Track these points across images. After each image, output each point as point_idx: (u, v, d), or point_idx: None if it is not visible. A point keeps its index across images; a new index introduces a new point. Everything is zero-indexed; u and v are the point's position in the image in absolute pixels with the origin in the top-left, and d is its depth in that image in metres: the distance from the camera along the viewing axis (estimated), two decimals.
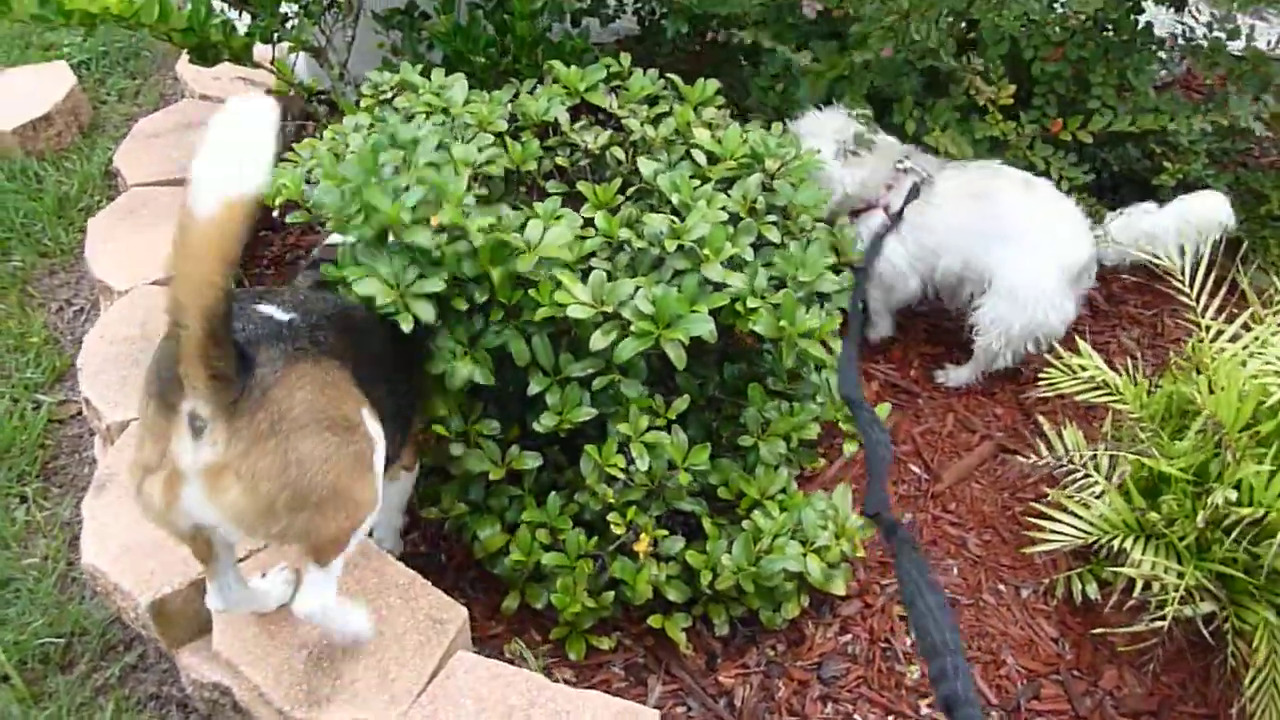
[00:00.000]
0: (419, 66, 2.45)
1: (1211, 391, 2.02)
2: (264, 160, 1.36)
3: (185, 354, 1.38)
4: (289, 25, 2.89)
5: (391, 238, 1.90)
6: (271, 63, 2.88)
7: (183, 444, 1.48)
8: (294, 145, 2.23)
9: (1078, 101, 2.89)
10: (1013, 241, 2.56)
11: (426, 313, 1.87)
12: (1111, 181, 3.19)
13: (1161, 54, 3.13)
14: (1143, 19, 3.05)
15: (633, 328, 1.87)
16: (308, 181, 2.11)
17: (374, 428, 1.65)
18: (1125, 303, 3.22)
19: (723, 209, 2.09)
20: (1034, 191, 2.62)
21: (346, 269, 1.87)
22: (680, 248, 1.99)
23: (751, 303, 1.97)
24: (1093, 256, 2.60)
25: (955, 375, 2.79)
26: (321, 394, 1.55)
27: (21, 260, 3.01)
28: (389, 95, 2.37)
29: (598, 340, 1.89)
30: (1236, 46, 3.10)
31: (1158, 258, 2.35)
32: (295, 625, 1.83)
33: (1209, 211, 2.47)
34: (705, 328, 1.88)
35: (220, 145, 1.33)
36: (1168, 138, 3.11)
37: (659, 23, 3.18)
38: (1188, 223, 2.46)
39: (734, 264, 2.00)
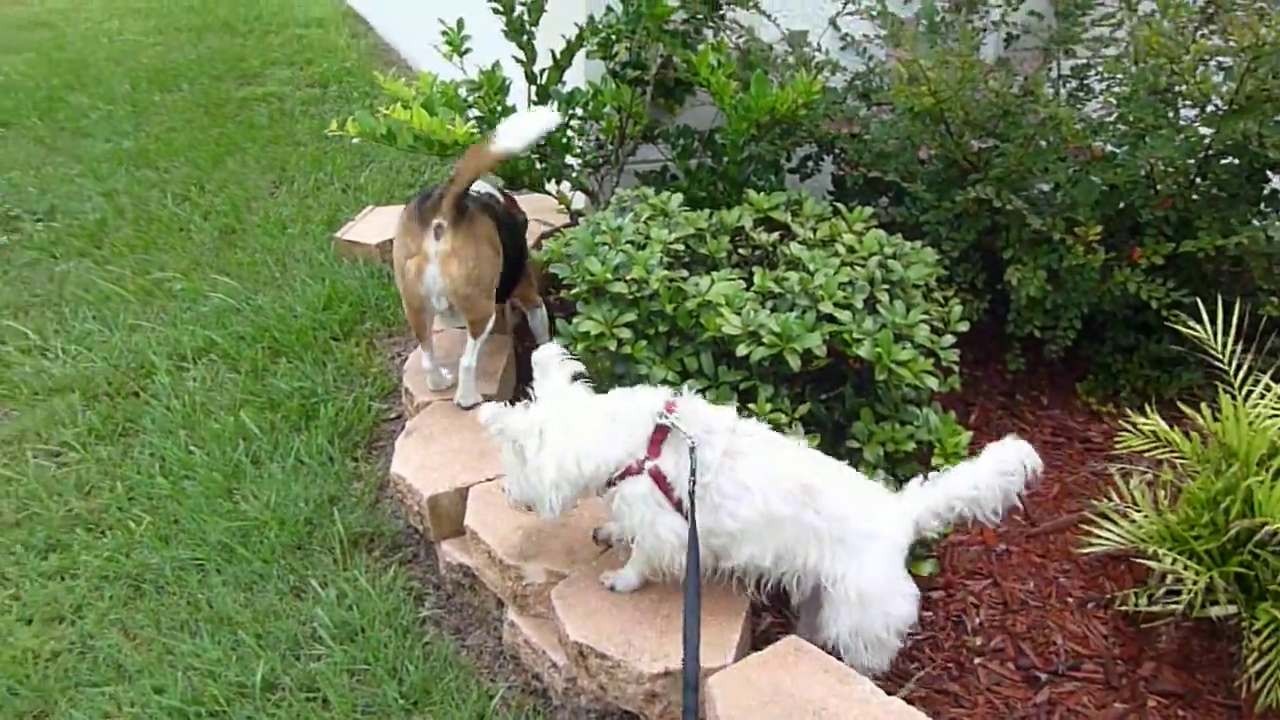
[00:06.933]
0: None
1: (1217, 419, 2.54)
2: (525, 139, 3.02)
3: (447, 195, 2.93)
4: (572, 172, 4.07)
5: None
6: (557, 193, 4.05)
7: (430, 241, 2.97)
8: (562, 230, 3.30)
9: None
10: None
11: (626, 336, 2.81)
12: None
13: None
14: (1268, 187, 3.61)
15: (764, 340, 2.70)
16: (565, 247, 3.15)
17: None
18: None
19: (847, 280, 2.91)
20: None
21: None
22: (805, 293, 2.82)
23: (857, 334, 2.74)
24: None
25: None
26: (491, 228, 3.09)
27: (370, 325, 4.27)
28: (628, 203, 3.42)
29: (741, 350, 2.73)
30: None
31: (1201, 340, 2.79)
32: (518, 516, 2.70)
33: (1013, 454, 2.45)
34: (814, 342, 2.67)
35: (511, 126, 2.97)
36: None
37: (843, 179, 4.12)
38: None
39: (844, 305, 2.79)
